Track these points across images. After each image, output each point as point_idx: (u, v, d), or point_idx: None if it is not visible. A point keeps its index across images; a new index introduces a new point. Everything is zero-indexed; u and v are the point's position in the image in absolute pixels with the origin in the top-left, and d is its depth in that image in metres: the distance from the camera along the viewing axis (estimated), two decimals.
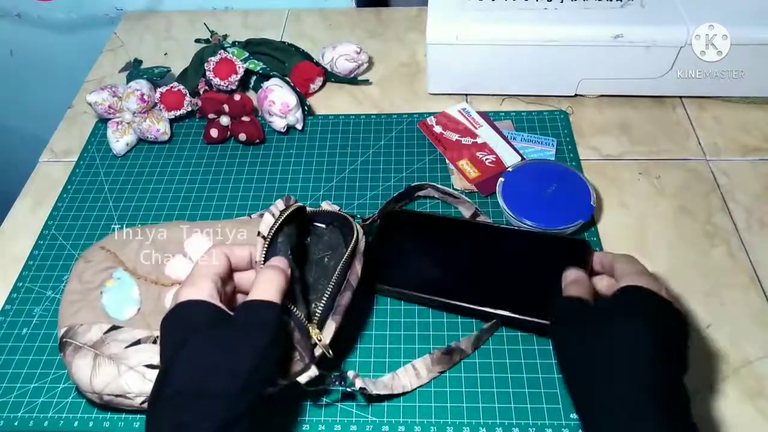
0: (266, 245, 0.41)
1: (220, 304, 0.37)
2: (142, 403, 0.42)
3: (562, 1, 0.62)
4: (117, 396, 0.42)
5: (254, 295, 0.38)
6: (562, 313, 0.41)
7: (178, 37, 0.79)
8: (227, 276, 0.41)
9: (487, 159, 0.59)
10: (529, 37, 0.60)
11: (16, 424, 0.45)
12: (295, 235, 0.44)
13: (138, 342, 0.43)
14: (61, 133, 0.69)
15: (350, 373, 0.43)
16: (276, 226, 0.42)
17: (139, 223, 0.58)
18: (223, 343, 0.35)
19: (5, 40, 0.92)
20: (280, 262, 0.40)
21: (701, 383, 0.44)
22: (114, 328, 0.44)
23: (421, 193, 0.57)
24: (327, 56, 0.70)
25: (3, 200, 0.66)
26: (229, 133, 0.64)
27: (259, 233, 0.41)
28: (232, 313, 0.37)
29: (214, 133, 0.64)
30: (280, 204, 0.43)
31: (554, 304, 0.42)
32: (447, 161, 0.60)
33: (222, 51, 0.67)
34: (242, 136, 0.63)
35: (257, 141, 0.63)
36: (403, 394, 0.45)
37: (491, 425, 0.43)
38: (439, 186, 0.55)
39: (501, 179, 0.55)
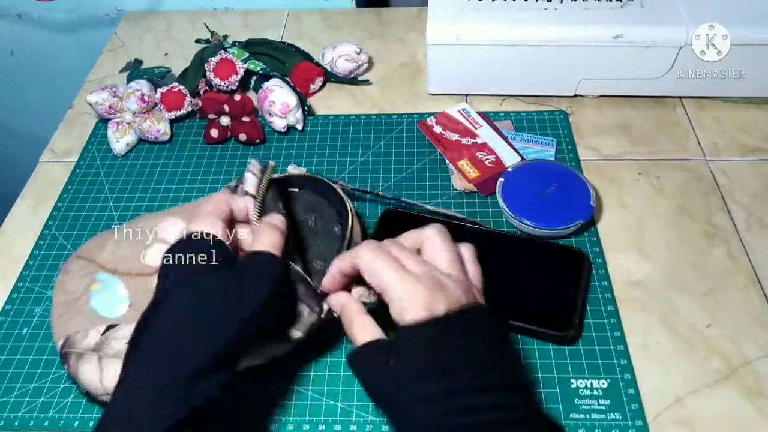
0: (258, 203, 0.41)
1: (229, 246, 0.37)
2: None
3: (561, 2, 0.62)
4: None
5: (256, 248, 0.38)
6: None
7: (179, 38, 0.79)
8: (228, 223, 0.40)
9: (486, 159, 0.59)
10: (529, 37, 0.60)
11: (16, 424, 0.45)
12: (278, 197, 0.45)
13: None
14: (61, 133, 0.69)
15: None
16: (263, 185, 0.42)
17: None
18: (229, 287, 0.35)
19: (5, 41, 0.92)
20: (276, 219, 0.40)
21: (700, 383, 0.44)
22: (111, 327, 0.44)
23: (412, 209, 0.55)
24: (327, 56, 0.70)
25: (3, 200, 0.66)
26: (229, 133, 0.64)
27: (246, 192, 0.42)
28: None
29: (214, 133, 0.64)
30: (255, 163, 0.44)
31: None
32: (447, 161, 0.60)
33: (222, 51, 0.67)
34: (242, 137, 0.63)
35: (257, 141, 0.64)
36: None
37: None
38: (427, 206, 0.54)
39: (501, 179, 0.55)
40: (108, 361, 0.42)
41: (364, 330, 0.36)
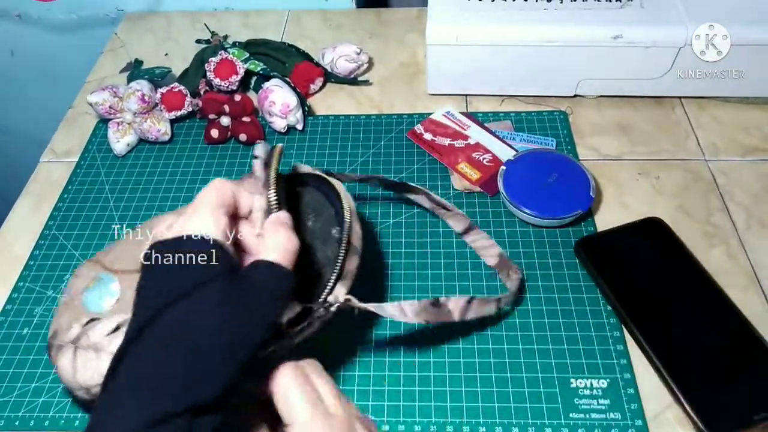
0: (274, 177, 0.37)
1: (231, 249, 0.31)
2: None
3: (561, 2, 0.62)
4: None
5: (270, 256, 0.31)
6: None
7: (179, 38, 0.79)
8: (231, 219, 0.34)
9: (484, 158, 0.59)
10: (528, 37, 0.60)
11: (17, 423, 0.45)
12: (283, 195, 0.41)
13: (117, 329, 0.42)
14: (61, 133, 0.69)
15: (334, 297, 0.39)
16: (275, 166, 0.38)
17: (139, 223, 0.58)
18: (232, 307, 0.29)
19: (6, 41, 0.92)
20: (284, 216, 0.35)
21: None
22: (93, 320, 0.43)
23: (411, 197, 0.55)
24: (327, 57, 0.70)
25: (4, 200, 0.66)
26: (229, 133, 0.64)
27: (255, 157, 0.39)
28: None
29: (214, 133, 0.64)
30: (261, 148, 0.40)
31: None
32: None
33: (222, 51, 0.67)
34: (243, 137, 0.63)
35: (258, 141, 0.64)
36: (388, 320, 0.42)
37: (491, 425, 0.43)
38: (434, 195, 0.53)
39: (502, 167, 0.55)
40: (81, 353, 0.41)
41: None
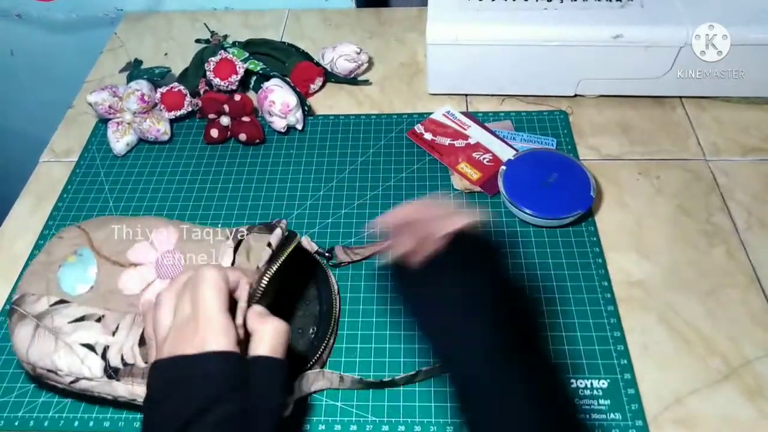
0: (268, 276, 0.41)
1: (238, 349, 0.34)
2: (71, 382, 0.41)
3: (562, 2, 0.62)
4: (48, 371, 0.41)
5: (264, 350, 0.35)
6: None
7: (179, 38, 0.79)
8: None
9: (484, 158, 0.59)
10: (528, 37, 0.60)
11: (16, 423, 0.45)
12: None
13: (82, 318, 0.42)
14: (61, 133, 0.69)
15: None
16: (283, 257, 0.43)
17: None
18: (246, 415, 0.32)
19: (6, 41, 0.92)
20: (261, 309, 0.37)
21: (700, 383, 0.44)
22: (62, 302, 0.43)
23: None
24: (327, 56, 0.70)
25: (4, 200, 0.66)
26: (229, 133, 0.64)
27: (258, 268, 0.42)
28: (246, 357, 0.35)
29: (214, 133, 0.64)
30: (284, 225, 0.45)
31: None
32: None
33: (222, 51, 0.67)
34: (242, 136, 0.63)
35: (257, 141, 0.64)
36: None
37: None
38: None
39: (503, 167, 0.55)
40: (41, 333, 0.42)
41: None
